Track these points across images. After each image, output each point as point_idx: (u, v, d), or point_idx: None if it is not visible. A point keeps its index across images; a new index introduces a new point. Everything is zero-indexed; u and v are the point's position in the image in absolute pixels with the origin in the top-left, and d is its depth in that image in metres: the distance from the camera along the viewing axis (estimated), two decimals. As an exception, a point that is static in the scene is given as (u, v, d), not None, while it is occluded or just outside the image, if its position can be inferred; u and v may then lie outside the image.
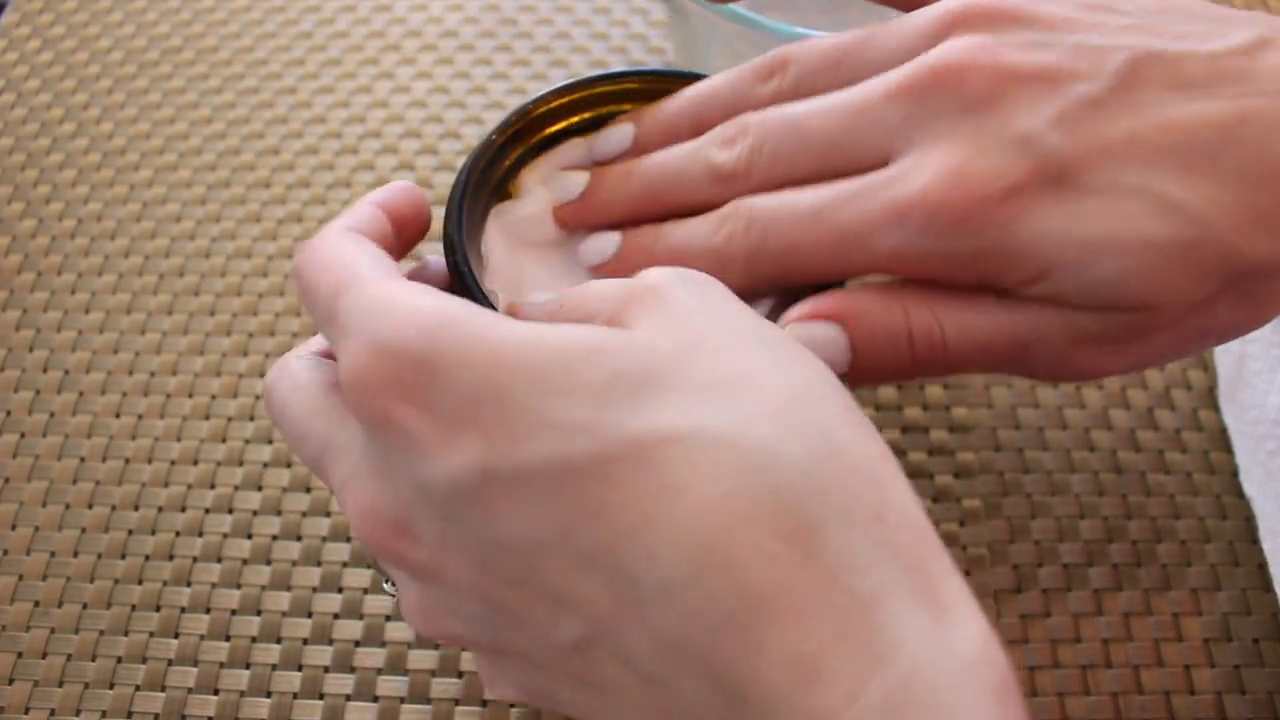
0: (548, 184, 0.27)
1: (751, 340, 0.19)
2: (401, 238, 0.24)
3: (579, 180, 0.27)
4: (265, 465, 0.34)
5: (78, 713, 0.29)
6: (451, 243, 0.25)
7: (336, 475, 0.21)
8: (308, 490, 0.33)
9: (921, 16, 0.24)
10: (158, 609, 0.31)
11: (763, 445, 0.17)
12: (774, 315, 0.25)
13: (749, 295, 0.25)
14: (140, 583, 0.32)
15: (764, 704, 0.16)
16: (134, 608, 0.31)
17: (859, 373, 0.24)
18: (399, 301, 0.19)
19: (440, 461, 0.18)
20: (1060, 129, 0.22)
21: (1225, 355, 0.35)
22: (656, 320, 0.19)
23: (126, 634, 0.31)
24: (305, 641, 0.31)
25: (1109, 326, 0.23)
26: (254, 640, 0.31)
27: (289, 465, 0.34)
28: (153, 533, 0.33)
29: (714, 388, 0.18)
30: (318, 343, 0.24)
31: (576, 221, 0.27)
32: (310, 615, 0.31)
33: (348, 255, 0.21)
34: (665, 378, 0.18)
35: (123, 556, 0.32)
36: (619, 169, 0.27)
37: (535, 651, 0.20)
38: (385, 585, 0.27)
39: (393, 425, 0.18)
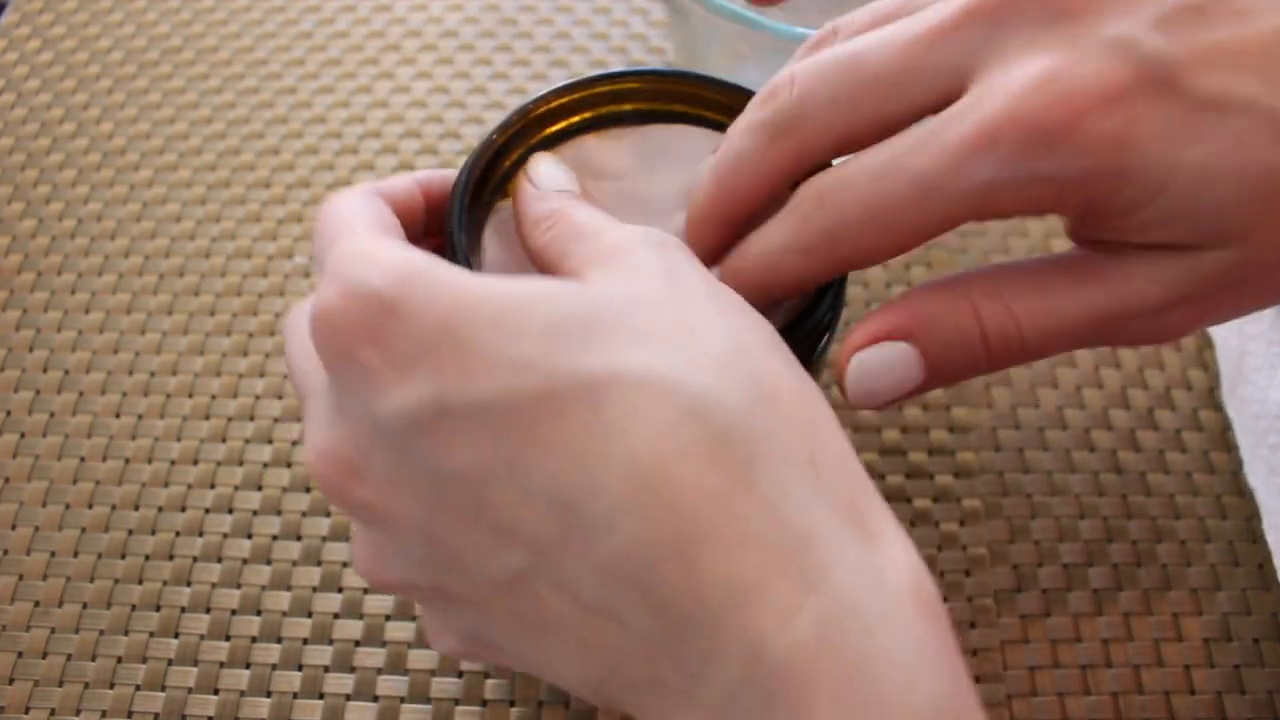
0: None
1: (700, 297, 0.20)
2: (431, 216, 0.25)
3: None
4: (265, 465, 0.34)
5: (78, 713, 0.30)
6: (452, 242, 0.25)
7: (305, 419, 0.22)
8: (307, 490, 0.33)
9: None
10: (158, 609, 0.31)
11: (704, 390, 0.18)
12: (787, 318, 0.25)
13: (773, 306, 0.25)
14: (140, 583, 0.32)
15: (705, 625, 0.17)
16: (134, 608, 0.31)
17: (932, 381, 0.23)
18: (375, 252, 0.20)
19: (395, 395, 0.19)
20: (1162, 32, 0.20)
21: (1226, 351, 0.35)
22: (611, 275, 0.20)
23: (126, 634, 0.31)
24: (305, 641, 0.31)
25: (1205, 278, 0.21)
26: (254, 640, 0.31)
27: (289, 465, 0.34)
28: (153, 533, 0.33)
29: (659, 336, 0.19)
30: None
31: (705, 242, 0.26)
32: (310, 615, 0.31)
33: (353, 211, 0.22)
34: (613, 324, 0.19)
35: (123, 556, 0.32)
36: (700, 179, 0.25)
37: (476, 591, 0.20)
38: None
39: (352, 362, 0.19)
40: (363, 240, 0.20)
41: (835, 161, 0.23)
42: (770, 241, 0.23)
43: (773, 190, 0.24)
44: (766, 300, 0.24)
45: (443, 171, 0.26)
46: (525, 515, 0.18)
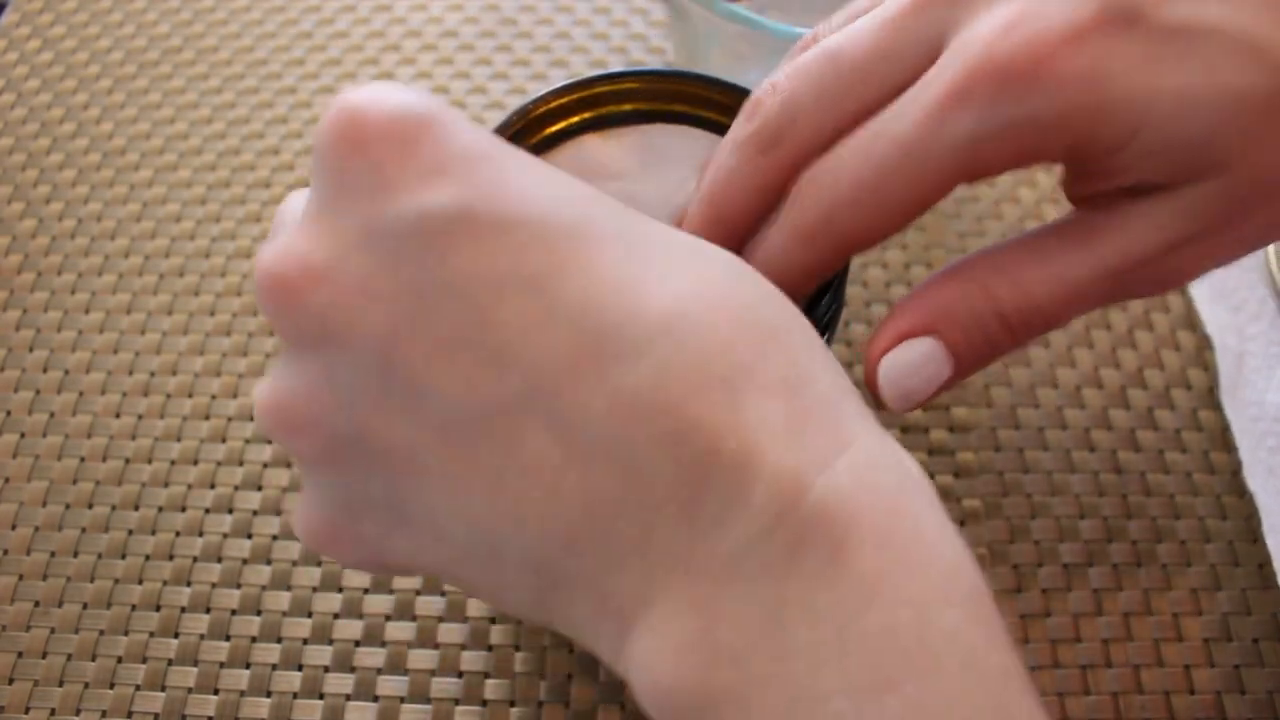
0: None
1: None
2: None
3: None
4: (265, 465, 0.34)
5: (78, 713, 0.30)
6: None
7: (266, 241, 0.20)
8: (308, 490, 0.33)
9: None
10: (158, 609, 0.31)
11: (728, 266, 0.19)
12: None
13: None
14: (140, 583, 0.32)
15: (736, 464, 0.16)
16: (134, 608, 0.31)
17: (963, 370, 0.23)
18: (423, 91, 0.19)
19: (408, 196, 0.17)
20: None
21: (1225, 354, 0.35)
22: None
23: (126, 634, 0.31)
24: (305, 641, 0.31)
25: (1201, 213, 0.21)
26: (254, 640, 0.31)
27: (289, 465, 0.34)
28: (153, 533, 0.33)
29: (678, 237, 0.19)
30: None
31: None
32: (310, 615, 0.31)
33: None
34: (640, 219, 0.19)
35: (123, 556, 0.32)
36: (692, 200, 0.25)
37: (421, 433, 0.18)
38: None
39: (365, 158, 0.17)
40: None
41: None
42: (772, 240, 0.23)
43: (768, 204, 0.23)
44: None
45: None
46: (536, 336, 0.17)
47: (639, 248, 0.18)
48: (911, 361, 0.22)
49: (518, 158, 0.18)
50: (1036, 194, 0.40)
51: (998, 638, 0.16)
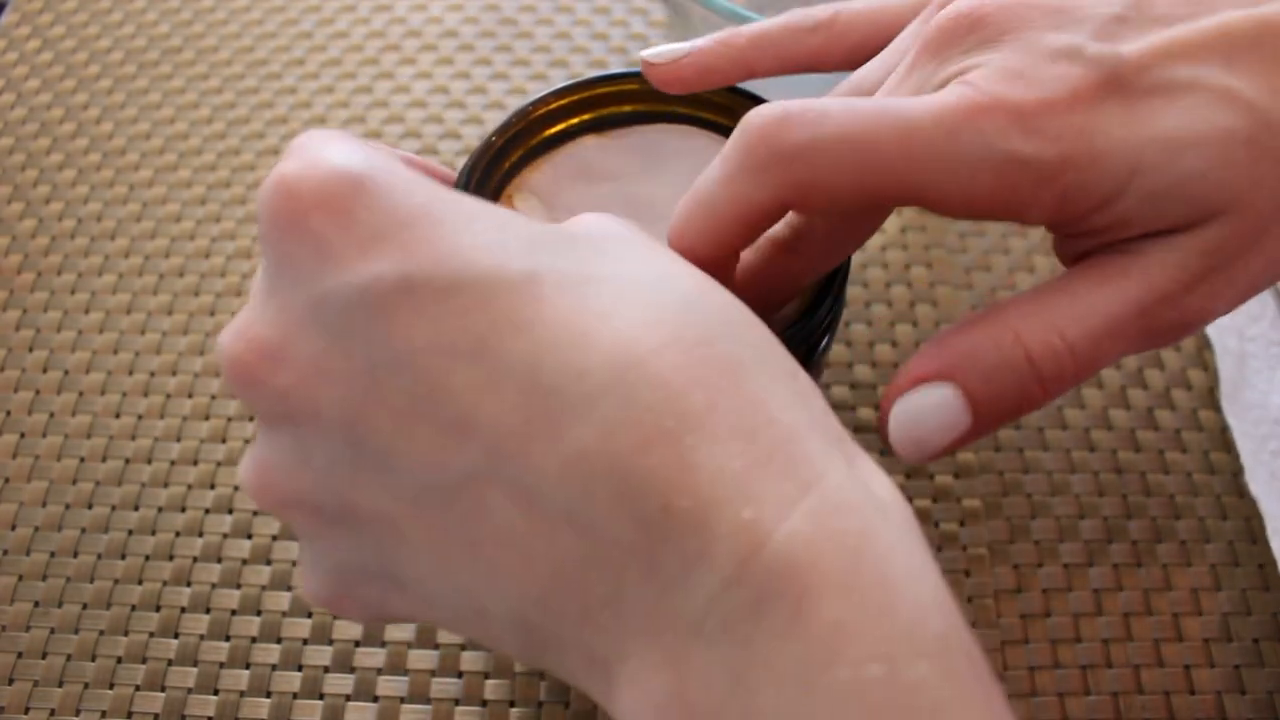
0: (547, 187, 0.27)
1: (665, 251, 0.20)
2: None
3: (682, 47, 0.26)
4: (265, 465, 0.34)
5: (78, 713, 0.30)
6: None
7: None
8: (308, 490, 0.33)
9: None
10: (158, 609, 0.31)
11: (686, 296, 0.18)
12: (785, 321, 0.25)
13: (772, 313, 0.24)
14: (140, 583, 0.32)
15: (692, 518, 0.16)
16: (134, 608, 0.31)
17: (983, 423, 0.22)
18: (351, 140, 0.18)
19: (349, 270, 0.17)
20: (1100, 40, 0.21)
21: (1226, 356, 0.35)
22: (584, 223, 0.20)
23: (126, 634, 0.31)
24: (305, 641, 0.31)
25: (1214, 250, 0.21)
26: (254, 640, 0.31)
27: (289, 465, 0.34)
28: (153, 533, 0.33)
29: (635, 261, 0.19)
30: None
31: (673, 79, 0.26)
32: (310, 615, 0.31)
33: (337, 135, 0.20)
34: (592, 247, 0.19)
35: (123, 556, 0.32)
36: (725, 34, 0.27)
37: (396, 504, 0.18)
38: None
39: (303, 230, 0.17)
40: (337, 132, 0.19)
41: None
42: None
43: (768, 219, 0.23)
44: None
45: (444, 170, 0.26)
46: (487, 403, 0.17)
47: (588, 291, 0.17)
48: (923, 408, 0.22)
49: (458, 210, 0.18)
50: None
51: (971, 688, 0.16)
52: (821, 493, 0.16)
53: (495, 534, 0.17)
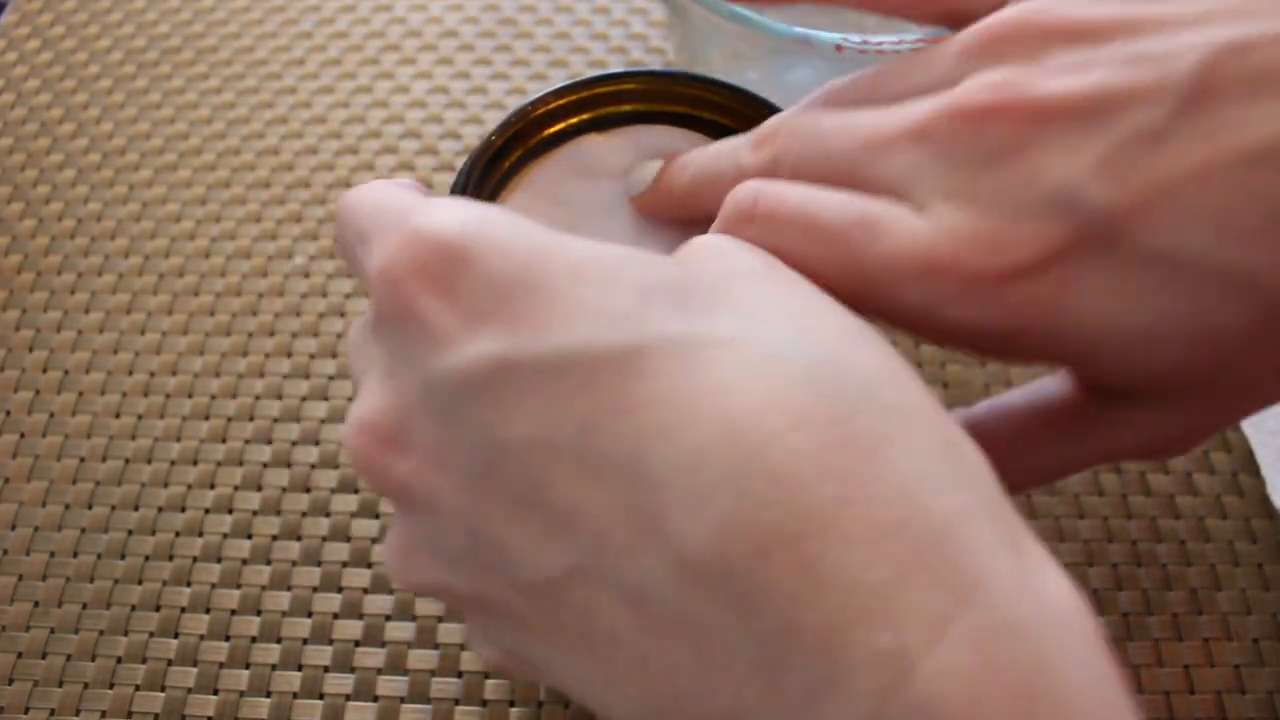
0: (547, 186, 0.27)
1: (802, 283, 0.18)
2: None
3: (651, 168, 0.26)
4: (265, 465, 0.34)
5: (78, 713, 0.30)
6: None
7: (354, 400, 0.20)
8: (307, 490, 0.33)
9: (953, 43, 0.20)
10: (158, 609, 0.31)
11: (818, 358, 0.15)
12: None
13: None
14: (140, 583, 0.32)
15: (820, 639, 0.14)
16: (134, 608, 0.31)
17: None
18: (438, 203, 0.18)
19: (455, 351, 0.16)
20: (1107, 176, 0.17)
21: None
22: (710, 259, 0.18)
23: (126, 634, 0.31)
24: (305, 641, 0.31)
25: (1183, 417, 0.20)
26: (254, 640, 0.31)
27: (289, 465, 0.34)
28: (153, 533, 0.33)
29: (766, 311, 0.16)
30: None
31: (648, 210, 0.26)
32: (310, 615, 0.31)
33: (388, 187, 0.20)
34: (714, 294, 0.17)
35: (123, 556, 0.32)
36: (679, 160, 0.25)
37: (515, 597, 0.17)
38: None
39: (412, 315, 0.17)
40: (416, 197, 0.18)
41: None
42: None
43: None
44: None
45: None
46: (591, 496, 0.15)
47: (702, 360, 0.15)
48: None
49: (560, 266, 0.16)
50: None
51: None
52: (983, 608, 0.14)
53: (606, 633, 0.16)
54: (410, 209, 0.18)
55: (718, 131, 0.28)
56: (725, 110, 0.28)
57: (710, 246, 0.19)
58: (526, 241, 0.17)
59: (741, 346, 0.15)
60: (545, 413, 0.16)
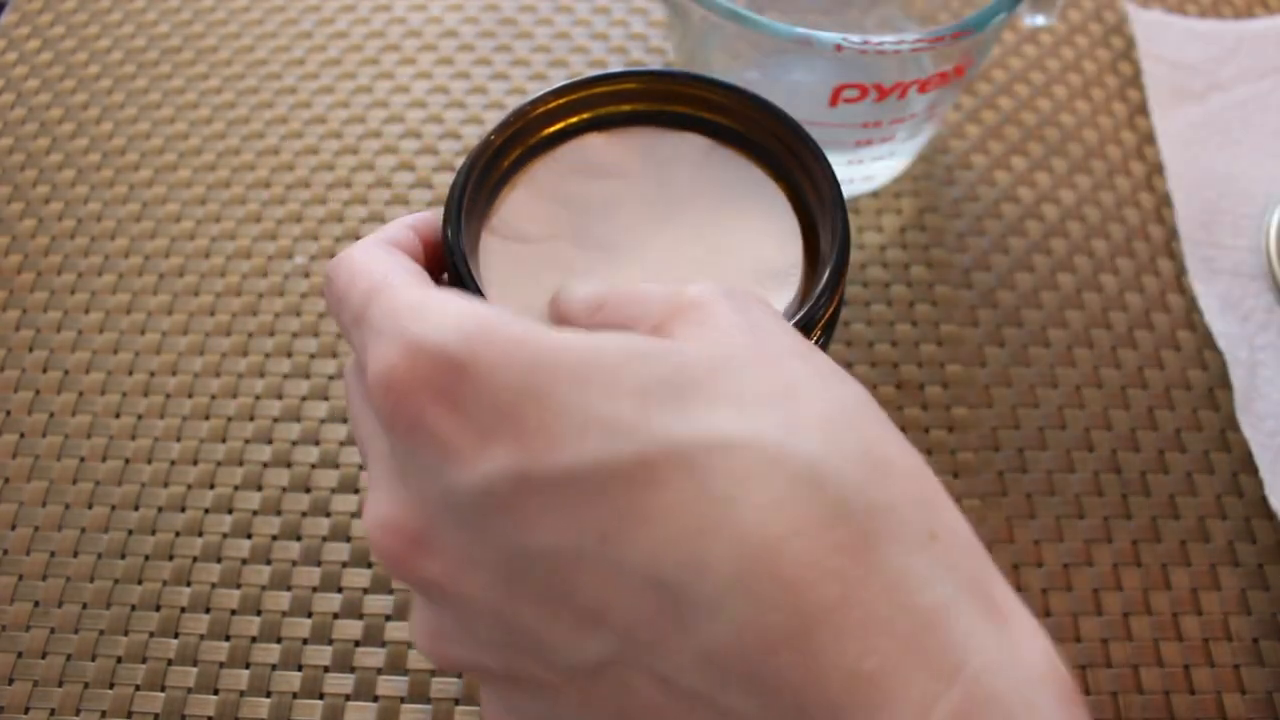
0: (546, 186, 0.27)
1: (794, 357, 0.19)
2: (429, 261, 0.24)
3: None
4: (265, 465, 0.34)
5: (78, 712, 0.30)
6: (450, 243, 0.25)
7: (369, 484, 0.20)
8: (307, 490, 0.33)
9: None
10: (158, 609, 0.31)
11: (812, 458, 0.17)
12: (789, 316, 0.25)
13: None
14: (140, 583, 0.32)
15: None
16: (134, 608, 0.31)
17: None
18: (433, 304, 0.18)
19: (471, 467, 0.17)
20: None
21: (1238, 366, 0.35)
22: (700, 332, 0.19)
23: (126, 634, 0.31)
24: (305, 641, 0.31)
25: None
26: (254, 640, 0.31)
27: (289, 465, 0.34)
28: (153, 533, 0.33)
29: (759, 400, 0.18)
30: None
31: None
32: (310, 615, 0.31)
33: (382, 263, 0.20)
34: (710, 386, 0.18)
35: (123, 556, 0.32)
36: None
37: (553, 677, 0.18)
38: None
39: (421, 429, 0.17)
40: (407, 292, 0.19)
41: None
42: None
43: None
44: None
45: (428, 214, 0.25)
46: (617, 597, 0.17)
47: (707, 468, 0.17)
48: None
49: (563, 373, 0.17)
50: (1036, 193, 0.40)
51: None
52: (967, 684, 0.15)
53: (642, 709, 0.18)
54: (406, 310, 0.18)
55: (718, 131, 0.28)
56: (725, 110, 0.28)
57: (699, 309, 0.20)
58: (526, 349, 0.17)
59: (740, 452, 0.17)
60: (566, 524, 0.17)
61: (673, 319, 0.20)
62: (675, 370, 0.18)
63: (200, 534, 0.33)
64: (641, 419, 0.17)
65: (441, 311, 0.18)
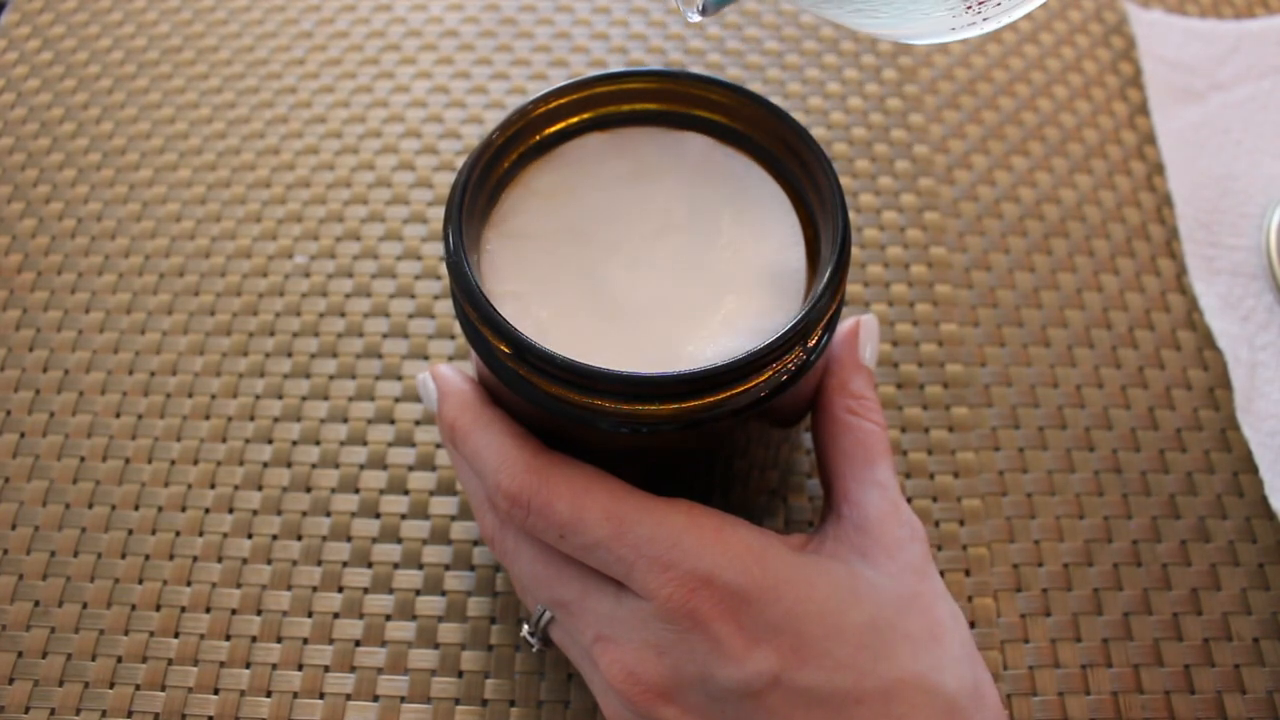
0: (547, 186, 0.27)
1: (940, 598, 0.26)
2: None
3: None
4: (265, 465, 0.34)
5: (78, 712, 0.30)
6: (450, 243, 0.25)
7: (589, 625, 0.25)
8: (308, 490, 0.33)
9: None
10: (158, 609, 0.31)
11: (950, 693, 0.24)
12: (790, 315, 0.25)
13: None
14: (140, 583, 0.32)
15: None
16: (134, 607, 0.31)
17: None
18: (711, 536, 0.24)
19: (740, 665, 0.23)
20: None
21: (1238, 366, 0.35)
22: (894, 569, 0.25)
23: (126, 634, 0.31)
24: (305, 641, 0.31)
25: None
26: (254, 640, 0.31)
27: (289, 465, 0.34)
28: (153, 533, 0.33)
29: (923, 641, 0.25)
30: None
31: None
32: (310, 615, 0.31)
33: (589, 478, 0.25)
34: (896, 627, 0.24)
35: (123, 556, 0.32)
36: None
37: None
38: (528, 635, 0.27)
39: (705, 629, 0.23)
40: (669, 516, 0.24)
41: None
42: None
43: None
44: None
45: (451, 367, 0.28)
46: None
47: (900, 699, 0.24)
48: None
49: (814, 615, 0.24)
50: (1036, 193, 0.40)
51: None
52: None
53: None
54: (694, 553, 0.24)
55: (718, 131, 0.28)
56: (727, 110, 0.28)
57: (900, 547, 0.26)
58: (790, 590, 0.24)
59: (912, 688, 0.24)
60: (798, 718, 0.23)
61: (877, 550, 0.26)
62: (877, 613, 0.24)
63: (201, 534, 0.33)
64: (856, 658, 0.24)
65: (722, 546, 0.24)
